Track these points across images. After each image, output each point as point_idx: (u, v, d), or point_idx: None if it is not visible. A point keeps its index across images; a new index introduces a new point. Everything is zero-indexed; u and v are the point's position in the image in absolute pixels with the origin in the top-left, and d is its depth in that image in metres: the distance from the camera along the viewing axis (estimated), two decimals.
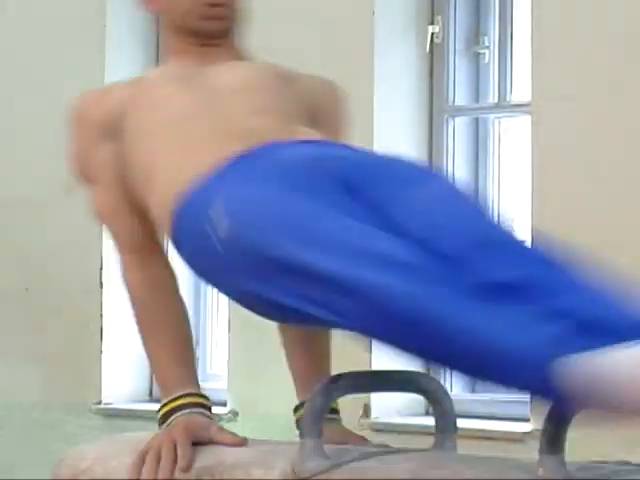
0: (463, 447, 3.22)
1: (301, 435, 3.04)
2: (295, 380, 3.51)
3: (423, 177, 3.17)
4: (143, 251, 3.46)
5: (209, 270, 3.16)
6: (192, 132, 3.31)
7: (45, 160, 6.80)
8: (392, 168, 3.17)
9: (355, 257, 2.67)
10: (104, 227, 3.51)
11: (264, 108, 3.41)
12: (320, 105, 3.54)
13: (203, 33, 3.51)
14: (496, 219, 3.08)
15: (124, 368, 6.75)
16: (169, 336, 3.45)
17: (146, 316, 3.48)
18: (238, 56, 3.65)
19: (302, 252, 2.75)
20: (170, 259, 3.46)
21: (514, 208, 6.10)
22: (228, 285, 3.14)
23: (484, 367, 2.73)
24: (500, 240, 2.90)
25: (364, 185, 3.03)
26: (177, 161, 3.24)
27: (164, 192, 3.18)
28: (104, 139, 3.40)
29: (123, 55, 6.95)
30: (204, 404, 3.33)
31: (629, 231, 5.29)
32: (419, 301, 2.60)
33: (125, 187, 3.37)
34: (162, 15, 3.65)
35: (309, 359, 3.55)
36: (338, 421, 3.30)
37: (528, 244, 2.99)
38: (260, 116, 3.35)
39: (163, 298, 3.48)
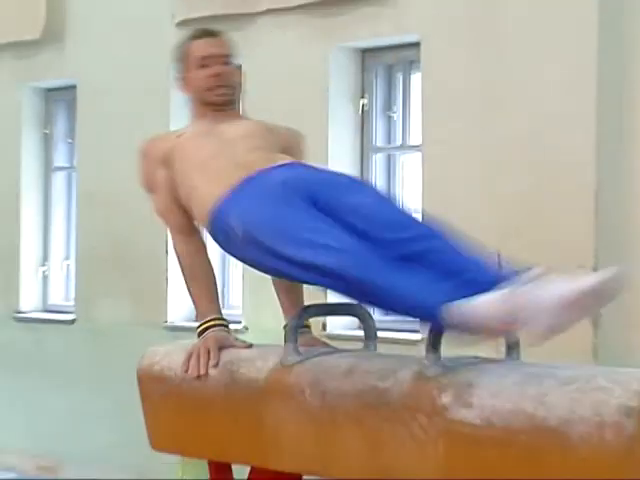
0: (381, 348, 3.94)
1: (285, 341, 3.72)
2: (282, 309, 4.24)
3: (360, 187, 3.96)
4: (185, 233, 4.17)
5: (232, 249, 3.89)
6: (214, 167, 3.96)
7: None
8: (339, 182, 3.86)
9: (313, 247, 3.44)
10: (161, 218, 4.27)
11: (257, 148, 4.06)
12: (291, 144, 4.28)
13: (216, 104, 4.26)
14: (404, 210, 3.81)
15: (181, 301, 7.24)
16: (202, 284, 4.14)
17: (188, 272, 4.15)
18: (238, 116, 4.47)
19: (282, 246, 3.53)
20: (204, 238, 4.17)
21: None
22: (242, 256, 3.88)
23: (398, 307, 3.53)
24: (407, 224, 3.61)
25: (321, 195, 3.68)
26: (207, 186, 3.90)
27: (201, 205, 3.91)
28: (161, 167, 4.15)
29: (182, 112, 7.00)
30: (225, 324, 4.05)
31: (492, 234, 5.58)
32: (353, 270, 3.39)
33: (173, 195, 4.10)
34: (190, 94, 4.35)
35: (290, 296, 4.21)
36: (309, 332, 4.02)
37: (426, 224, 3.74)
38: (255, 153, 4.01)
39: (199, 261, 4.17)
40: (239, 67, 4.46)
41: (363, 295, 3.61)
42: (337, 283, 3.50)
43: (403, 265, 3.53)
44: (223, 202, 3.79)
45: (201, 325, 3.98)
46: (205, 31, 4.39)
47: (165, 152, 4.12)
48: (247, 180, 3.81)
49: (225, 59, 4.28)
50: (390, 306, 3.59)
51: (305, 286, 4.10)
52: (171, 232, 4.23)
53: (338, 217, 3.64)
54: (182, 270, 4.15)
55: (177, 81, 4.41)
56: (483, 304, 3.20)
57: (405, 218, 3.68)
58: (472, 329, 3.25)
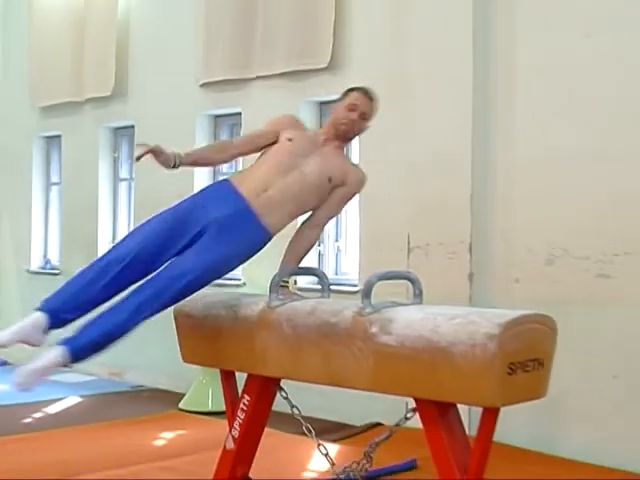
0: (332, 297, 3.90)
1: (270, 292, 3.66)
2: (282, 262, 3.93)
3: None
4: (234, 147, 4.08)
5: None
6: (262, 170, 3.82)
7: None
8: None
9: None
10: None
11: (292, 189, 3.81)
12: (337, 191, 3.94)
13: (336, 133, 3.97)
14: None
15: None
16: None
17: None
18: (338, 152, 4.02)
19: None
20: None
21: (352, 213, 6.48)
22: None
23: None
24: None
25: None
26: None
27: None
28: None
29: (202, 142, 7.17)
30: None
31: (404, 219, 5.82)
32: None
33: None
34: (330, 118, 4.04)
35: (286, 262, 3.90)
36: (286, 287, 3.83)
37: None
38: (284, 190, 3.80)
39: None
40: (367, 127, 4.09)
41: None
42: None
43: None
44: None
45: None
46: (366, 91, 4.06)
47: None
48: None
49: (364, 115, 4.00)
50: None
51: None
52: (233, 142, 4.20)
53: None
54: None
55: (335, 105, 4.08)
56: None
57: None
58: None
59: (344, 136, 4.01)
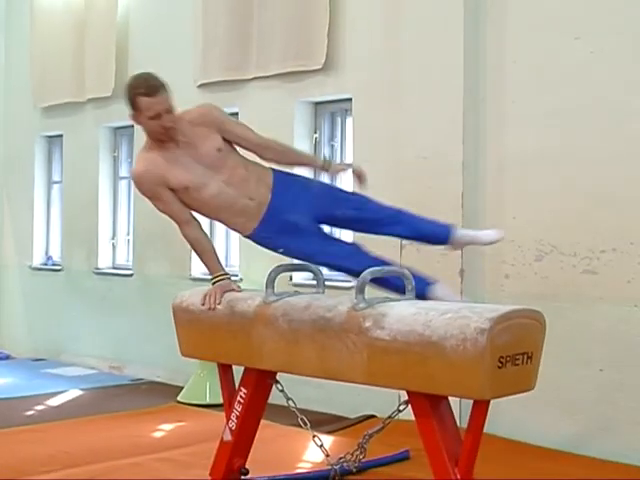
0: (327, 292, 3.87)
1: (266, 287, 3.68)
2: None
3: (332, 191, 4.12)
4: (189, 222, 3.82)
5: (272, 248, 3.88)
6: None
7: None
8: (322, 192, 3.94)
9: (329, 258, 3.78)
10: (168, 215, 3.87)
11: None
12: (210, 123, 3.83)
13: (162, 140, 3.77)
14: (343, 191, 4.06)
15: (200, 262, 7.54)
16: (208, 253, 3.86)
17: (197, 248, 3.86)
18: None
19: (311, 259, 3.81)
20: (200, 223, 3.88)
21: None
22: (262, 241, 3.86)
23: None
24: (379, 209, 3.88)
25: (318, 210, 3.85)
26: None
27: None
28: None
29: None
30: (228, 277, 3.91)
31: None
32: (312, 251, 3.76)
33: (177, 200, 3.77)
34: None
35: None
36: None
37: (363, 197, 3.92)
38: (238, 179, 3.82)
39: (203, 239, 3.85)
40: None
41: (322, 262, 3.86)
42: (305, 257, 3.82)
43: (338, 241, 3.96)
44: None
45: (213, 278, 3.85)
46: (148, 89, 3.80)
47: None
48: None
49: (166, 111, 3.75)
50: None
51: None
52: (178, 224, 3.83)
53: (335, 219, 3.87)
54: (193, 248, 3.86)
55: (132, 117, 3.91)
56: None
57: (376, 206, 3.96)
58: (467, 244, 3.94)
59: (169, 135, 3.76)
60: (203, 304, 3.80)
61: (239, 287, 3.90)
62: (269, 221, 3.77)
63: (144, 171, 3.77)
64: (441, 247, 3.95)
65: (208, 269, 3.91)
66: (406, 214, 3.92)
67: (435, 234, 3.88)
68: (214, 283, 3.84)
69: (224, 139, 3.81)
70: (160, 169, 3.74)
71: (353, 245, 3.94)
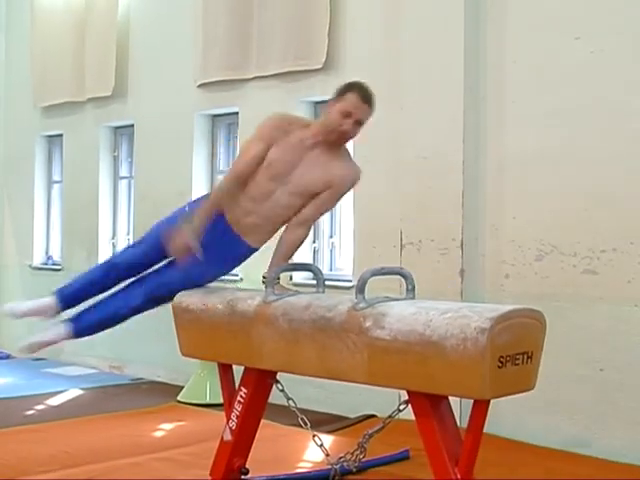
0: (327, 292, 3.84)
1: (266, 287, 3.65)
2: (270, 263, 3.87)
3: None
4: (238, 176, 3.78)
5: None
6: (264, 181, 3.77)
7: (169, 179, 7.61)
8: None
9: None
10: (237, 161, 3.87)
11: (284, 204, 3.81)
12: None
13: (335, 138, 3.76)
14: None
15: None
16: (215, 204, 3.80)
17: (215, 195, 3.81)
18: (334, 156, 3.80)
19: None
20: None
21: (347, 210, 6.44)
22: None
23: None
24: None
25: None
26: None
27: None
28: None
29: (200, 143, 7.47)
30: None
31: (396, 217, 5.85)
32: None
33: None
34: (324, 117, 3.83)
35: (276, 260, 3.83)
36: (279, 283, 3.75)
37: None
38: (277, 208, 3.82)
39: (227, 195, 3.80)
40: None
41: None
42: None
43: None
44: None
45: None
46: (364, 94, 3.83)
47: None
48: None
49: (359, 122, 3.79)
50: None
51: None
52: (231, 171, 3.84)
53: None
54: (214, 194, 3.81)
55: (329, 102, 3.85)
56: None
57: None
58: None
59: (335, 143, 3.78)
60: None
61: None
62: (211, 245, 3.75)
63: (276, 125, 3.79)
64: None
65: (198, 212, 3.78)
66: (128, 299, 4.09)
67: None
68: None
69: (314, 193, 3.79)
70: (280, 136, 3.76)
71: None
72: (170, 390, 7.06)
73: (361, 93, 3.78)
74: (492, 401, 2.99)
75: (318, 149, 3.76)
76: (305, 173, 3.75)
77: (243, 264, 6.25)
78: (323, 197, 3.78)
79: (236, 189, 3.77)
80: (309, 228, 3.89)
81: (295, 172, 3.75)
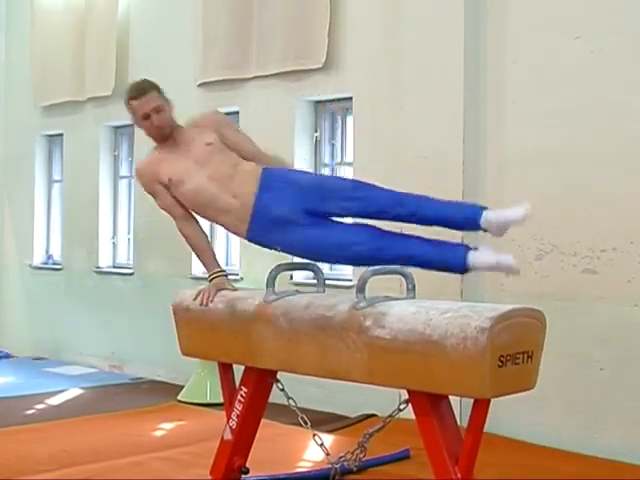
0: (327, 291, 3.88)
1: (267, 286, 3.66)
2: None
3: (326, 180, 4.19)
4: (184, 218, 3.84)
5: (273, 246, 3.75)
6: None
7: None
8: (317, 184, 3.79)
9: (343, 250, 3.59)
10: (165, 211, 3.91)
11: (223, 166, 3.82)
12: (219, 130, 3.92)
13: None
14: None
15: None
16: (205, 250, 3.88)
17: (194, 244, 3.87)
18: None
19: (317, 257, 3.73)
20: (197, 220, 3.88)
21: None
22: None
23: (429, 266, 3.53)
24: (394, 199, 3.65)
25: (313, 204, 3.64)
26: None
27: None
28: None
29: None
30: (224, 274, 3.89)
31: None
32: (315, 239, 3.57)
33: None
34: None
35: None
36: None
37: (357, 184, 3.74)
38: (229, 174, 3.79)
39: (200, 236, 3.86)
40: (171, 108, 3.96)
41: (323, 257, 3.72)
42: (370, 263, 3.50)
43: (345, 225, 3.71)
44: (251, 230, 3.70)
45: (210, 275, 3.85)
46: (134, 92, 3.95)
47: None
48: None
49: (155, 109, 3.89)
50: (422, 266, 3.53)
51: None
52: (174, 219, 3.87)
53: (330, 212, 3.65)
54: (188, 243, 3.87)
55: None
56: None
57: (377, 192, 3.71)
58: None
59: (168, 135, 3.89)
60: (195, 299, 3.82)
61: (233, 286, 3.89)
62: (258, 220, 3.67)
63: (142, 169, 3.94)
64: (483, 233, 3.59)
65: (204, 266, 3.91)
66: (416, 197, 3.68)
67: (461, 217, 3.56)
68: (210, 280, 3.84)
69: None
70: (154, 166, 3.86)
71: (365, 226, 3.70)
72: (170, 389, 7.06)
73: (131, 95, 3.90)
74: (492, 400, 2.99)
75: (175, 145, 3.86)
76: (190, 152, 3.82)
77: (244, 263, 6.21)
78: (228, 140, 3.89)
79: (192, 223, 3.88)
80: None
81: (198, 162, 3.79)
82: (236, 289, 3.85)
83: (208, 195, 3.73)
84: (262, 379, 3.82)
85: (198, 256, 3.90)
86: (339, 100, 6.61)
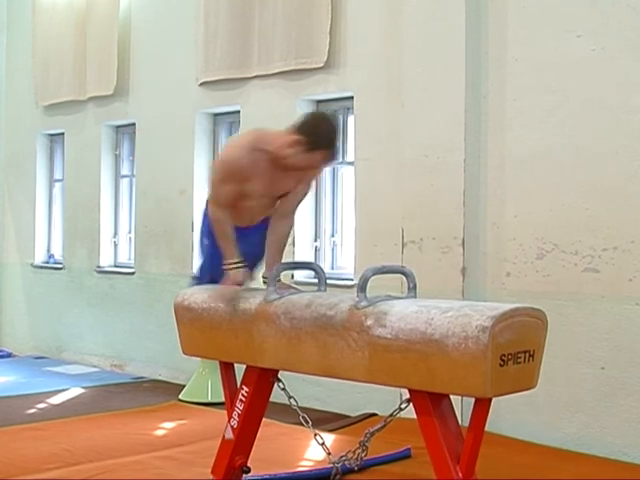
0: (328, 290, 3.87)
1: (267, 286, 3.70)
2: (266, 264, 4.01)
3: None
4: (225, 207, 3.85)
5: None
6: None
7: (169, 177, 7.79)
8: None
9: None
10: (215, 196, 3.87)
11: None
12: None
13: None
14: None
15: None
16: (230, 238, 3.84)
17: (222, 230, 3.85)
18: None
19: None
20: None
21: (348, 209, 6.53)
22: None
23: None
24: None
25: None
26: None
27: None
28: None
29: (201, 143, 7.49)
30: (245, 265, 3.86)
31: (398, 215, 5.89)
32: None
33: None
34: (291, 152, 3.72)
35: (271, 256, 3.95)
36: (281, 280, 3.82)
37: None
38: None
39: (230, 224, 3.86)
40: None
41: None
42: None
43: None
44: None
45: (230, 263, 3.82)
46: (334, 155, 3.82)
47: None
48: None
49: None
50: None
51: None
52: (216, 204, 3.86)
53: None
54: (218, 228, 3.86)
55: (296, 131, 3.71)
56: None
57: None
58: None
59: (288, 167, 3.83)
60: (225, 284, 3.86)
61: (251, 277, 4.00)
62: None
63: (246, 152, 3.77)
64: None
65: (226, 252, 3.86)
66: None
67: None
68: (231, 268, 3.83)
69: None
70: (256, 161, 3.77)
71: None
72: (171, 389, 7.07)
73: (329, 157, 3.80)
74: (494, 400, 2.98)
75: (283, 167, 3.80)
76: (280, 188, 3.89)
77: None
78: (299, 189, 3.94)
79: (228, 210, 3.91)
80: (292, 217, 4.05)
81: (271, 189, 3.88)
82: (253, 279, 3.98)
83: (246, 210, 3.92)
84: (263, 378, 3.81)
85: (223, 242, 3.86)
86: (340, 99, 6.58)
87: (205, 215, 4.02)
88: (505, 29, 5.49)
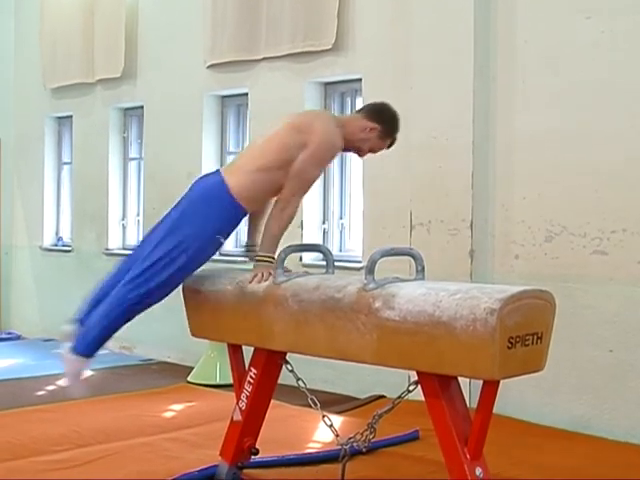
0: (337, 273, 3.89)
1: (276, 268, 3.64)
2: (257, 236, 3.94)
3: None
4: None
5: None
6: None
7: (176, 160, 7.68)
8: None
9: None
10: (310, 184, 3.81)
11: None
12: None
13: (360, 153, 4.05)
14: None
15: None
16: (283, 231, 3.76)
17: (289, 222, 3.76)
18: None
19: None
20: None
21: (356, 191, 6.54)
22: None
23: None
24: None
25: None
26: None
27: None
28: None
29: (209, 124, 7.48)
30: (274, 261, 3.71)
31: (407, 198, 5.90)
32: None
33: None
34: (368, 134, 3.91)
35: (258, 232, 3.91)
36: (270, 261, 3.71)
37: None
38: None
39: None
40: None
41: None
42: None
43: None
44: None
45: (267, 256, 3.73)
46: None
47: None
48: None
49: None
50: None
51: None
52: (303, 193, 3.84)
53: None
54: (288, 223, 3.77)
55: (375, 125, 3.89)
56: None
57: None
58: None
59: (356, 149, 4.00)
60: (251, 281, 3.71)
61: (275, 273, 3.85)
62: None
63: (341, 140, 3.86)
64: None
65: (271, 245, 3.76)
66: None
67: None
68: (261, 260, 3.74)
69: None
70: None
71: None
72: (180, 371, 7.09)
73: (392, 144, 4.05)
74: (502, 382, 2.99)
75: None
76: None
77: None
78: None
79: None
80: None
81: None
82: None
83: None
84: (271, 360, 3.83)
85: (278, 236, 3.77)
86: (349, 81, 6.58)
87: (221, 214, 3.75)
88: (514, 11, 5.47)
